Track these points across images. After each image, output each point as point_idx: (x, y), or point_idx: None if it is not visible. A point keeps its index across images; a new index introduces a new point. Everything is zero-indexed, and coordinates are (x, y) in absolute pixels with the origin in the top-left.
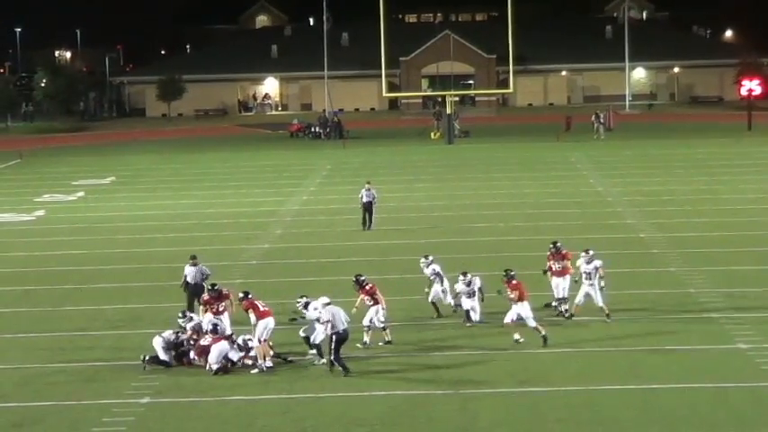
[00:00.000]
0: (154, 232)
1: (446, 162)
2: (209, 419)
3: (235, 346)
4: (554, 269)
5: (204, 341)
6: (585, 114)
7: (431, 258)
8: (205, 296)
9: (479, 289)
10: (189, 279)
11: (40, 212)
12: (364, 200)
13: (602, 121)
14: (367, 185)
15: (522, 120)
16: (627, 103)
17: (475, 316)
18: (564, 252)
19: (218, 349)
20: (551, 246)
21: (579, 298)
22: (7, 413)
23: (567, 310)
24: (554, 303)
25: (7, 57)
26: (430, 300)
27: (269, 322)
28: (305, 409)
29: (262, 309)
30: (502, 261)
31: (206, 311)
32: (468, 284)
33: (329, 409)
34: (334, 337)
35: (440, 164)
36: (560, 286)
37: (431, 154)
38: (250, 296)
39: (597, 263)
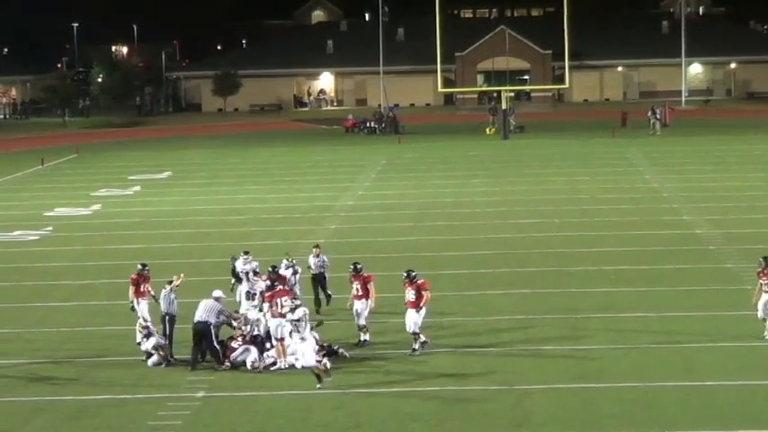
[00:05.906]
0: (209, 227)
1: (501, 157)
2: (263, 414)
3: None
4: (406, 300)
5: (234, 344)
6: (641, 110)
7: (250, 257)
8: (264, 290)
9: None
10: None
11: (97, 207)
12: (313, 269)
13: (658, 116)
14: (315, 250)
15: (578, 115)
16: (683, 98)
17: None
18: (420, 282)
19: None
20: (404, 274)
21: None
22: (63, 406)
23: (422, 344)
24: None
25: (64, 52)
26: (238, 299)
27: (282, 321)
28: (359, 404)
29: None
30: (556, 257)
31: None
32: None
33: (383, 403)
34: None
35: (495, 159)
36: (411, 319)
37: (486, 149)
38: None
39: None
